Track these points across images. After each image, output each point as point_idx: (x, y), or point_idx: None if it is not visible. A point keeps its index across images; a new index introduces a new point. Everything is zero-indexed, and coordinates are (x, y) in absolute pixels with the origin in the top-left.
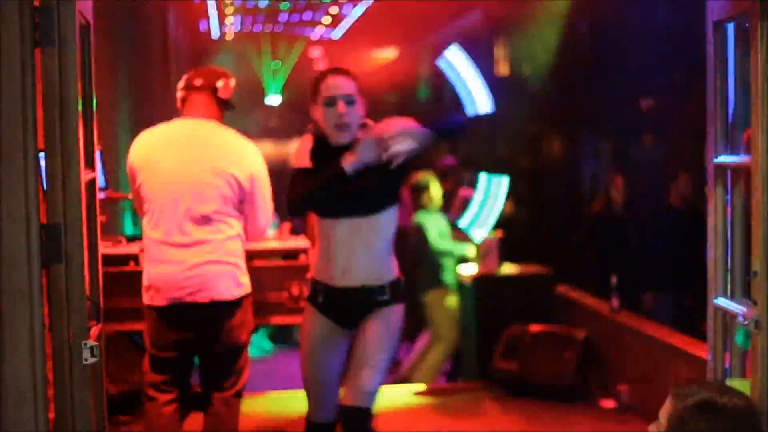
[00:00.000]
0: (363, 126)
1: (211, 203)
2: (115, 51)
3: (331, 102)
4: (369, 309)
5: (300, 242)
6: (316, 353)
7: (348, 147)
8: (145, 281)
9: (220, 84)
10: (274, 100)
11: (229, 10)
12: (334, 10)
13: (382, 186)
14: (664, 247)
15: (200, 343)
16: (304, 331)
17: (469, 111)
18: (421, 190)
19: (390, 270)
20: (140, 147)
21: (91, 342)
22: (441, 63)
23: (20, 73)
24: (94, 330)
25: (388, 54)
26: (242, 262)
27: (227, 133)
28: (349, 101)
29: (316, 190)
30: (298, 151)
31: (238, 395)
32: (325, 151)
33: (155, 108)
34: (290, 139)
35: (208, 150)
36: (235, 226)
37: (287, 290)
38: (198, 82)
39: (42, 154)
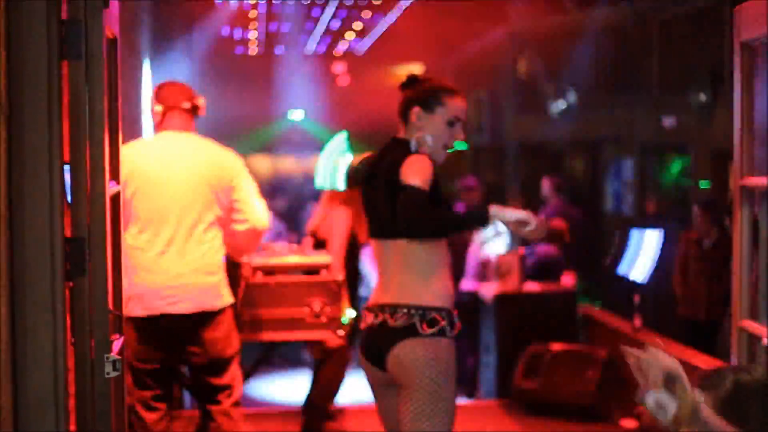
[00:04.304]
0: None
1: (197, 214)
2: (139, 64)
3: (455, 123)
4: None
5: (322, 257)
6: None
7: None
8: (125, 292)
9: (200, 102)
10: (296, 114)
11: (253, 25)
12: (358, 25)
13: None
14: None
15: (183, 354)
16: (451, 367)
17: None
18: None
19: None
20: (127, 159)
21: (114, 356)
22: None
23: (46, 86)
24: (117, 344)
25: (412, 71)
26: (223, 274)
27: (209, 145)
28: None
29: (454, 224)
30: (424, 171)
31: (237, 405)
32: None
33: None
34: (311, 153)
35: (193, 162)
36: (218, 238)
37: (308, 306)
38: (181, 101)
39: (67, 167)
